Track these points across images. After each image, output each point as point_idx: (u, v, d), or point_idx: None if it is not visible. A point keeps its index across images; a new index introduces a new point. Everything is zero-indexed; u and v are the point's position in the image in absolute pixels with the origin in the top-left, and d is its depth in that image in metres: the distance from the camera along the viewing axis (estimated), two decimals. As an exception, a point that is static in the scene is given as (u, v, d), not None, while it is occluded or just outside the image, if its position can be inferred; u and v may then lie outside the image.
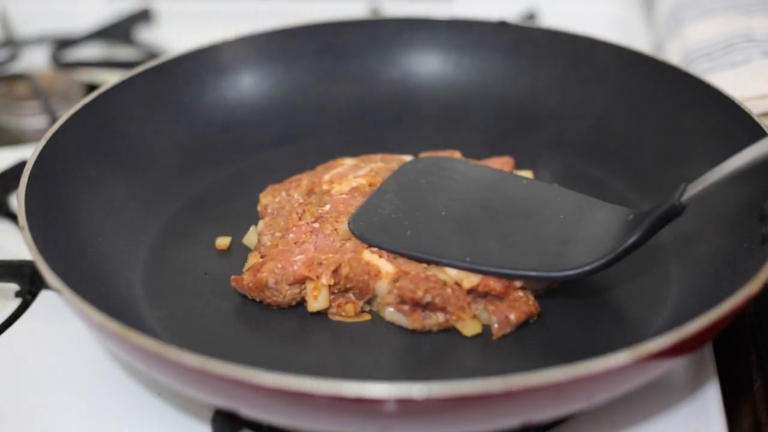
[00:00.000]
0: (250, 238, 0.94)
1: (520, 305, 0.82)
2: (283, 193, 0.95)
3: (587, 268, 0.81)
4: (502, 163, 0.99)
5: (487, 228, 0.87)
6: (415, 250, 0.84)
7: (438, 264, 0.84)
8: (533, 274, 0.82)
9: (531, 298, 0.84)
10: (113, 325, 0.71)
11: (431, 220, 0.88)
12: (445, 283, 0.82)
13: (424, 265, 0.84)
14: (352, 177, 0.96)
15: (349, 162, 1.00)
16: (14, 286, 0.93)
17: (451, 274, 0.83)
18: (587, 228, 0.86)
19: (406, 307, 0.83)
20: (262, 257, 0.88)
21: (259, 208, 0.96)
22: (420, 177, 0.94)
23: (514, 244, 0.85)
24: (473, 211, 0.89)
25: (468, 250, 0.84)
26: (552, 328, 0.84)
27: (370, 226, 0.88)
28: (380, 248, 0.85)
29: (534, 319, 0.84)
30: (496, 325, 0.82)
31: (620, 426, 0.77)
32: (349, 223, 0.88)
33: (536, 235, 0.86)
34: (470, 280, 0.82)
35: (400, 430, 0.70)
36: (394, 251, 0.85)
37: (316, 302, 0.85)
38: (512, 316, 0.82)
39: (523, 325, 0.83)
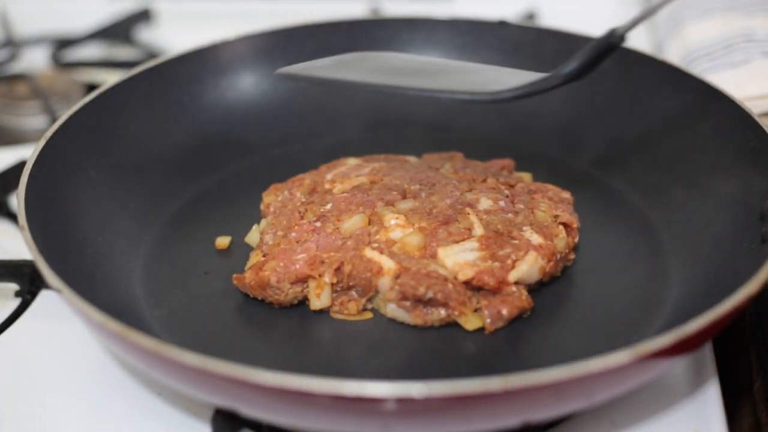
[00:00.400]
0: (252, 236, 0.94)
1: (512, 300, 0.83)
2: (286, 192, 0.95)
3: (520, 91, 0.77)
4: (502, 164, 1.00)
5: (416, 73, 0.84)
6: (337, 78, 0.83)
7: (362, 86, 0.81)
8: (461, 96, 0.78)
9: (524, 293, 0.84)
10: (113, 325, 0.71)
11: (359, 69, 0.86)
12: (446, 279, 0.83)
13: (425, 261, 0.84)
14: (354, 176, 0.96)
15: (352, 161, 1.00)
16: (14, 286, 0.93)
17: (448, 266, 0.83)
18: (520, 75, 0.82)
19: (408, 303, 0.83)
20: (264, 256, 0.88)
21: (262, 207, 0.96)
22: (352, 57, 0.91)
23: (448, 74, 0.82)
24: (403, 66, 0.87)
25: (400, 78, 0.81)
26: (554, 327, 0.84)
27: (295, 68, 0.87)
28: (309, 79, 0.85)
29: (527, 314, 0.84)
30: (488, 320, 0.82)
31: (620, 426, 0.77)
32: (277, 72, 0.87)
33: (468, 73, 0.83)
34: (464, 272, 0.83)
35: (400, 429, 0.70)
36: (314, 80, 0.84)
37: (319, 300, 0.85)
38: (504, 311, 0.82)
39: (523, 322, 0.83)
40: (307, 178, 0.97)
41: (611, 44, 0.76)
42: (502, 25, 1.13)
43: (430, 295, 0.82)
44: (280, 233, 0.90)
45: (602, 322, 0.84)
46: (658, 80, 1.04)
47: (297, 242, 0.88)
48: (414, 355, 0.82)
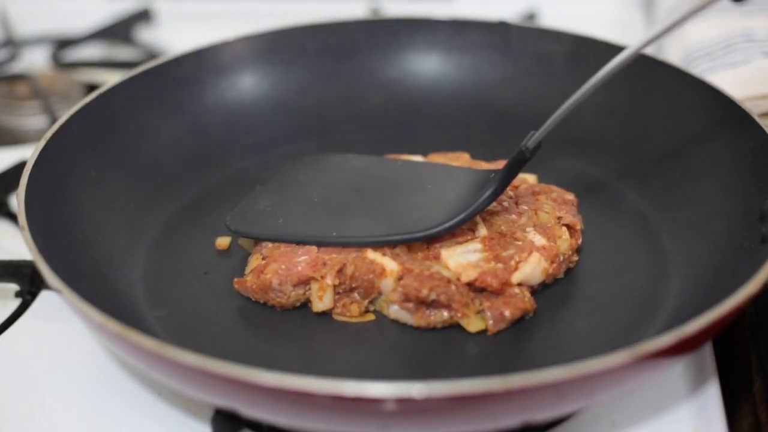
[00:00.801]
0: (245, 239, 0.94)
1: (515, 302, 0.83)
2: None
3: (446, 225, 0.84)
4: None
5: (356, 206, 0.91)
6: (285, 235, 0.88)
7: (305, 243, 0.87)
8: (394, 238, 0.85)
9: (527, 294, 0.84)
10: (113, 325, 0.71)
11: (304, 207, 0.92)
12: (449, 281, 0.83)
13: (428, 262, 0.84)
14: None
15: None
16: (14, 286, 0.93)
17: (451, 267, 0.83)
18: (452, 192, 0.89)
19: (411, 305, 0.83)
20: (263, 259, 0.88)
21: (263, 209, 0.96)
22: (297, 173, 0.98)
23: (380, 216, 0.89)
24: (345, 194, 0.93)
25: (335, 227, 0.87)
26: (555, 327, 0.84)
27: (244, 220, 0.92)
28: (253, 238, 0.91)
29: (530, 315, 0.84)
30: (491, 321, 0.82)
31: (620, 426, 0.77)
32: (226, 222, 0.92)
33: (402, 206, 0.90)
34: (468, 274, 0.83)
35: (400, 429, 0.70)
36: (264, 238, 0.89)
37: (321, 302, 0.85)
38: (507, 312, 0.82)
39: (525, 323, 0.83)
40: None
41: (523, 161, 0.85)
42: (502, 25, 1.13)
43: (433, 296, 0.82)
44: (280, 236, 0.90)
45: (602, 322, 0.84)
46: (658, 80, 1.04)
47: (298, 244, 0.88)
48: (416, 356, 0.82)
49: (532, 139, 0.84)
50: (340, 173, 0.97)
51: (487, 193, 0.84)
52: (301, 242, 0.87)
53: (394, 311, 0.84)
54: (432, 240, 0.86)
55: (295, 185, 0.96)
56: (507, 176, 0.85)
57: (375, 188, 0.93)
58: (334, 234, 0.87)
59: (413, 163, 0.98)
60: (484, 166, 0.99)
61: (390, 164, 0.98)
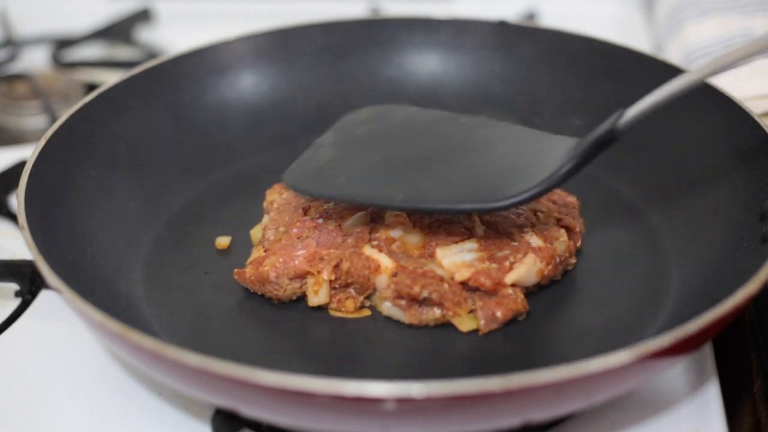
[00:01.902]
0: (256, 231, 0.94)
1: (508, 302, 0.82)
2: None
3: (522, 197, 0.79)
4: None
5: (422, 168, 0.86)
6: (348, 195, 0.85)
7: (369, 205, 0.84)
8: (467, 206, 0.81)
9: (520, 296, 0.84)
10: (113, 325, 0.71)
11: (366, 166, 0.88)
12: (442, 279, 0.83)
13: (422, 260, 0.84)
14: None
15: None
16: (14, 286, 0.93)
17: (444, 266, 0.83)
18: (527, 157, 0.84)
19: (403, 302, 0.83)
20: (265, 251, 0.88)
21: (265, 204, 0.96)
22: (357, 127, 0.94)
23: (449, 180, 0.84)
24: (409, 154, 0.89)
25: (400, 190, 0.83)
26: (554, 328, 0.84)
27: (303, 176, 0.87)
28: (312, 196, 0.87)
29: (522, 316, 0.84)
30: (482, 321, 0.82)
31: (620, 426, 0.77)
32: (283, 177, 0.88)
33: (472, 169, 0.85)
34: (461, 273, 0.83)
35: (399, 429, 0.70)
36: (324, 197, 0.86)
37: (317, 297, 0.85)
38: (499, 313, 0.82)
39: (519, 324, 0.83)
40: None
41: (610, 140, 0.78)
42: (502, 25, 1.13)
43: (425, 294, 0.82)
44: (281, 229, 0.90)
45: (602, 322, 0.84)
46: (658, 80, 1.03)
47: (298, 238, 0.88)
48: (411, 353, 0.82)
49: (624, 119, 0.77)
50: (402, 128, 0.92)
51: (565, 169, 0.78)
52: (364, 204, 0.84)
53: (387, 308, 0.84)
54: (434, 235, 0.85)
55: (355, 141, 0.91)
56: (588, 155, 0.78)
57: (440, 148, 0.88)
58: (401, 197, 0.82)
59: (480, 120, 0.93)
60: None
61: (455, 121, 0.93)
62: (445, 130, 0.92)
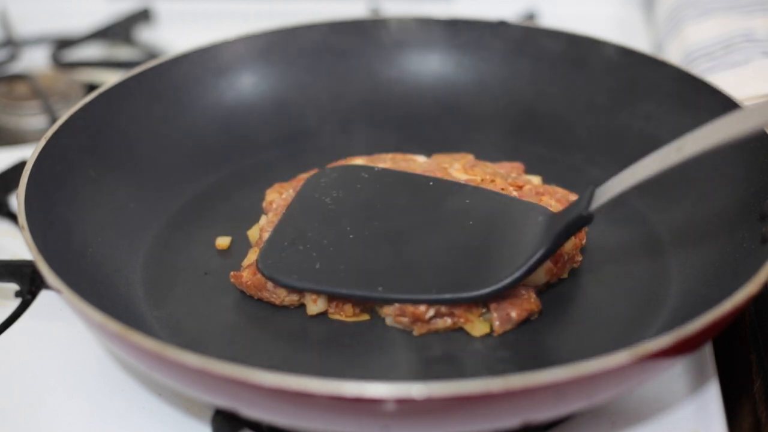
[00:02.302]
0: (253, 231, 0.94)
1: (521, 303, 0.82)
2: (290, 191, 0.95)
3: (499, 285, 0.80)
4: (511, 167, 0.99)
5: (396, 247, 0.85)
6: (325, 288, 0.83)
7: (351, 298, 0.83)
8: (447, 297, 0.81)
9: (533, 295, 0.84)
10: (113, 325, 0.71)
11: (339, 248, 0.86)
12: None
13: None
14: (359, 175, 0.96)
15: (359, 161, 1.00)
16: (14, 286, 0.93)
17: None
18: (499, 234, 0.85)
19: (407, 320, 0.82)
20: (262, 254, 0.88)
21: (264, 204, 0.96)
22: (323, 195, 0.92)
23: (426, 266, 0.84)
24: (381, 227, 0.87)
25: (379, 280, 0.82)
26: (555, 328, 0.84)
27: (279, 263, 0.84)
28: (293, 288, 0.84)
29: (535, 316, 0.84)
30: (497, 323, 0.82)
31: (620, 426, 0.77)
32: (257, 263, 0.85)
33: (447, 253, 0.84)
34: None
35: (400, 429, 0.70)
36: (307, 290, 0.84)
37: (315, 305, 0.85)
38: (513, 314, 0.82)
39: (530, 324, 0.83)
40: (311, 178, 0.98)
41: (582, 224, 0.78)
42: (502, 25, 1.13)
43: (431, 313, 0.81)
44: (278, 231, 0.90)
45: (603, 322, 0.84)
46: (658, 80, 1.04)
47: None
48: (412, 355, 0.82)
49: (593, 204, 0.78)
50: (369, 195, 0.91)
51: (539, 255, 0.79)
52: (345, 297, 0.83)
53: (390, 321, 0.84)
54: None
55: (325, 213, 0.89)
56: (562, 237, 0.79)
57: (411, 220, 0.88)
58: (381, 289, 0.82)
59: (448, 185, 0.92)
60: (489, 166, 0.98)
61: (423, 184, 0.92)
62: (413, 198, 0.90)
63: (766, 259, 0.75)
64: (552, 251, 0.80)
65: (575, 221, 0.79)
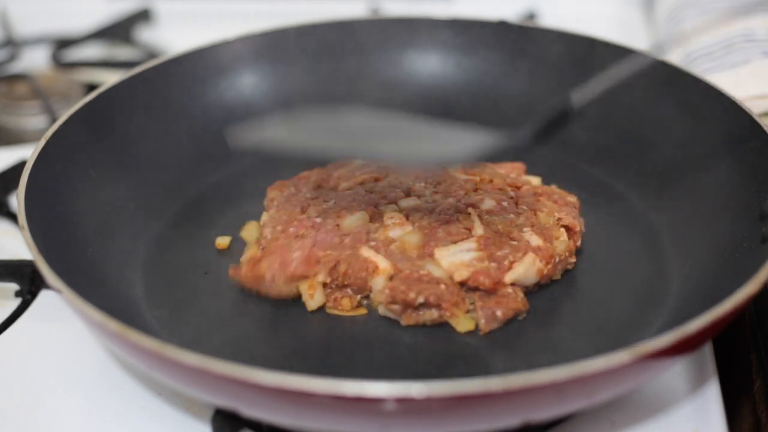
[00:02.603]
0: (247, 231, 0.94)
1: (508, 301, 0.83)
2: (292, 188, 0.96)
3: (481, 148, 0.76)
4: (512, 167, 1.00)
5: (384, 133, 0.80)
6: (305, 147, 0.77)
7: (329, 156, 0.78)
8: (433, 156, 0.76)
9: (520, 294, 0.84)
10: (113, 325, 0.71)
11: (321, 129, 0.80)
12: (438, 281, 0.83)
13: (419, 262, 0.84)
14: (359, 174, 0.96)
15: (358, 160, 1.00)
16: (14, 286, 0.93)
17: (443, 266, 0.83)
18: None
19: (397, 307, 0.83)
20: (262, 249, 0.88)
21: (266, 201, 0.96)
22: (307, 116, 0.83)
23: (409, 140, 0.79)
24: (364, 125, 0.81)
25: (364, 146, 0.77)
26: (554, 328, 0.84)
27: (252, 133, 0.79)
28: (261, 150, 0.78)
29: (522, 316, 0.84)
30: (483, 320, 0.82)
31: (620, 426, 0.77)
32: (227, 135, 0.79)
33: (433, 134, 0.80)
34: (460, 273, 0.83)
35: (399, 429, 0.70)
36: (283, 150, 0.77)
37: (313, 300, 0.85)
38: (499, 312, 0.82)
39: (522, 324, 0.83)
40: (313, 175, 0.98)
41: (564, 111, 0.76)
42: (502, 25, 1.13)
43: (420, 300, 0.82)
44: (279, 228, 0.90)
45: (602, 322, 0.84)
46: (658, 81, 1.04)
47: (295, 237, 0.87)
48: (409, 352, 0.82)
49: (581, 96, 0.74)
50: (350, 119, 0.83)
51: (522, 134, 0.75)
52: (322, 154, 0.77)
53: (383, 310, 0.84)
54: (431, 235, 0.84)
55: (307, 120, 0.82)
56: (544, 127, 0.76)
57: (394, 124, 0.81)
58: (378, 149, 0.76)
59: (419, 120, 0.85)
60: (489, 166, 0.98)
61: (396, 116, 0.85)
62: (396, 120, 0.84)
63: (766, 259, 0.75)
64: (538, 133, 0.77)
65: (561, 103, 0.76)
